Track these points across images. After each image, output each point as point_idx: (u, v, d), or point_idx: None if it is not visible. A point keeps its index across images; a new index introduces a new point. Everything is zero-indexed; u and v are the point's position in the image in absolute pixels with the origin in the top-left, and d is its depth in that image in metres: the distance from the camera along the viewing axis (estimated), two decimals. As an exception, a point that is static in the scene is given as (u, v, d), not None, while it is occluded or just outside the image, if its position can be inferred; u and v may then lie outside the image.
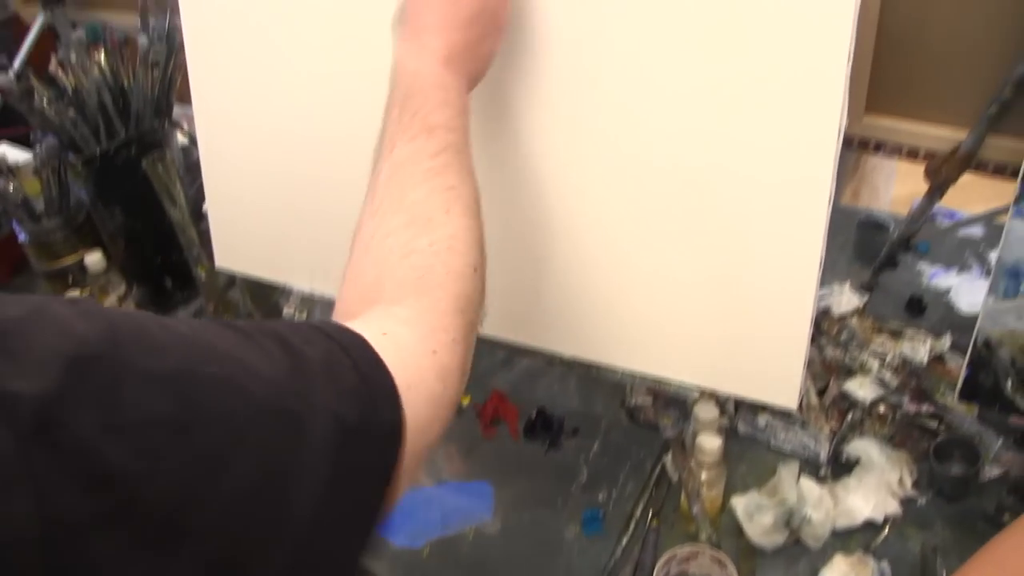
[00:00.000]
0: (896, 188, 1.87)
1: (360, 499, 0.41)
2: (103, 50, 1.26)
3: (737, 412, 0.97)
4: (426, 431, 0.46)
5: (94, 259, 1.18)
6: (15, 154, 1.48)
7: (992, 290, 0.72)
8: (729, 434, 0.94)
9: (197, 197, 1.23)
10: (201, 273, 1.18)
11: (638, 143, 0.74)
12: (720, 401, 0.91)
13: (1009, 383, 0.73)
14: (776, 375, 0.76)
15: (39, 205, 1.26)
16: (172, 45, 1.27)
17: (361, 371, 0.43)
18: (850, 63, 0.64)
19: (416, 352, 0.48)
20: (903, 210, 1.16)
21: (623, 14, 0.70)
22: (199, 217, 1.19)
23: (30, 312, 0.32)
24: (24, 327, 0.31)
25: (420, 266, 0.54)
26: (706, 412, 0.89)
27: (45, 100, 1.20)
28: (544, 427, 1.02)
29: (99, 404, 0.31)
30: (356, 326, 0.46)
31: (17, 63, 1.38)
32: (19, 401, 0.29)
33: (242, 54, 0.92)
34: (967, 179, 0.92)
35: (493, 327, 0.89)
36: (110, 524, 0.30)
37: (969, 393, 0.76)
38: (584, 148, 0.76)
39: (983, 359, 0.74)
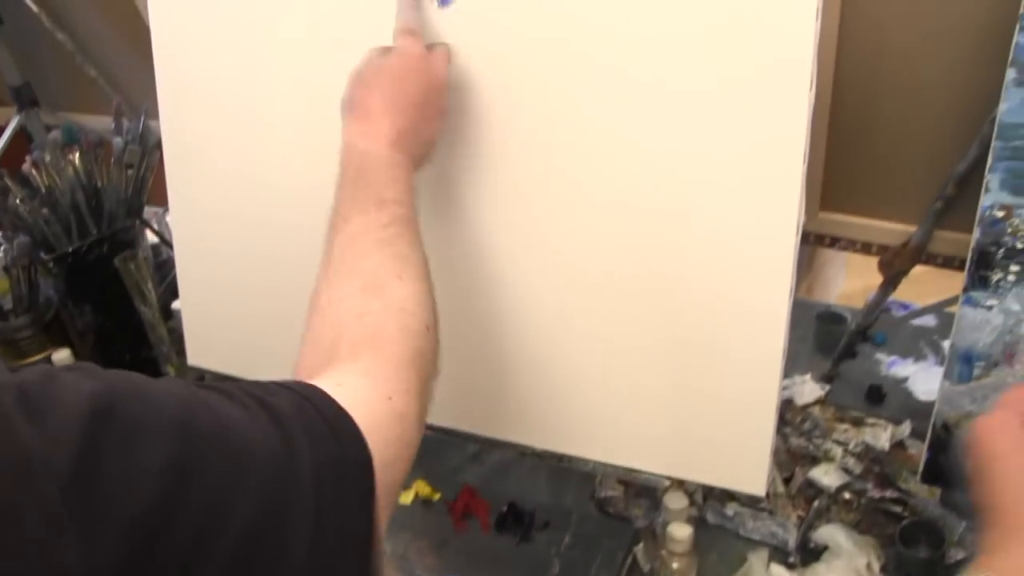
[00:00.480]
0: (850, 283, 1.93)
1: (346, 530, 0.44)
2: (78, 151, 1.28)
3: (706, 502, 0.98)
4: (391, 467, 0.49)
5: (62, 357, 1.17)
6: (-18, 253, 1.47)
7: (947, 375, 0.75)
8: (698, 523, 0.94)
9: (166, 296, 1.24)
10: (171, 371, 1.17)
11: (599, 236, 0.77)
12: (689, 491, 0.92)
13: (968, 464, 0.75)
14: (744, 464, 0.78)
15: (7, 303, 1.26)
16: (146, 147, 1.31)
17: (327, 419, 0.46)
18: (806, 162, 0.68)
19: (371, 398, 0.51)
20: (857, 304, 1.21)
21: (572, 94, 0.74)
22: (168, 316, 1.19)
23: (43, 377, 0.35)
24: (42, 390, 0.34)
25: (373, 325, 0.58)
26: (675, 502, 0.89)
27: (19, 199, 1.21)
28: (515, 521, 1.01)
29: (118, 454, 0.34)
30: (315, 382, 0.49)
31: (-9, 163, 1.40)
32: (52, 459, 0.32)
33: (218, 153, 0.94)
34: (919, 272, 0.97)
35: (463, 421, 0.91)
36: (139, 566, 0.33)
37: (931, 476, 0.78)
38: (542, 241, 0.79)
39: (942, 442, 0.76)
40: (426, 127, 0.72)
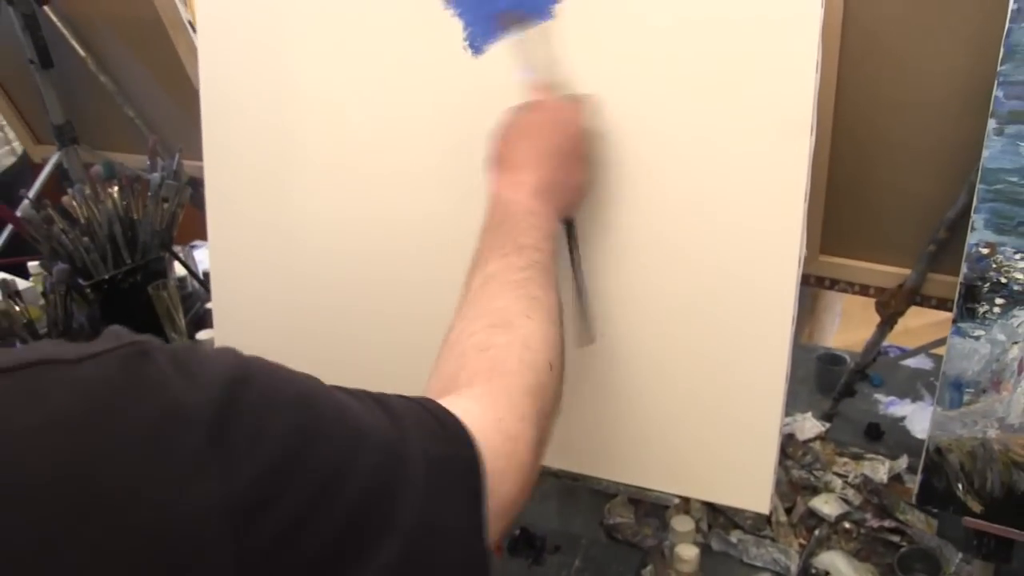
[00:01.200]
0: (849, 334, 1.98)
1: (452, 522, 0.47)
2: (117, 185, 1.35)
3: (711, 529, 1.02)
4: (502, 478, 0.51)
5: (94, 378, 1.22)
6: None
7: (939, 402, 0.80)
8: (704, 550, 0.98)
9: (189, 328, 1.31)
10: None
11: (625, 274, 0.83)
12: (695, 518, 0.96)
13: (960, 487, 0.80)
14: (749, 483, 0.82)
15: (41, 328, 1.31)
16: (180, 183, 1.38)
17: (438, 418, 0.49)
18: (807, 200, 0.74)
19: (481, 416, 0.52)
20: (855, 350, 1.26)
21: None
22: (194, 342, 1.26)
23: (191, 346, 0.41)
24: (191, 354, 0.40)
25: (494, 358, 0.60)
26: (682, 525, 0.94)
27: (61, 228, 1.28)
28: (527, 545, 1.05)
29: (252, 415, 0.39)
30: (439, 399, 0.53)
31: (32, 195, 1.47)
32: (200, 408, 0.37)
33: (255, 196, 1.01)
34: (921, 325, 1.02)
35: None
36: (264, 512, 0.37)
37: (925, 498, 0.82)
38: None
39: (935, 465, 0.81)
40: (568, 177, 0.75)
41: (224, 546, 0.36)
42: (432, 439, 0.48)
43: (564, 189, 0.74)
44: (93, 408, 0.36)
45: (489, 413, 0.54)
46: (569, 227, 0.80)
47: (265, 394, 0.41)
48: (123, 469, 0.35)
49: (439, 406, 0.51)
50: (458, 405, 0.52)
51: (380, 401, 0.48)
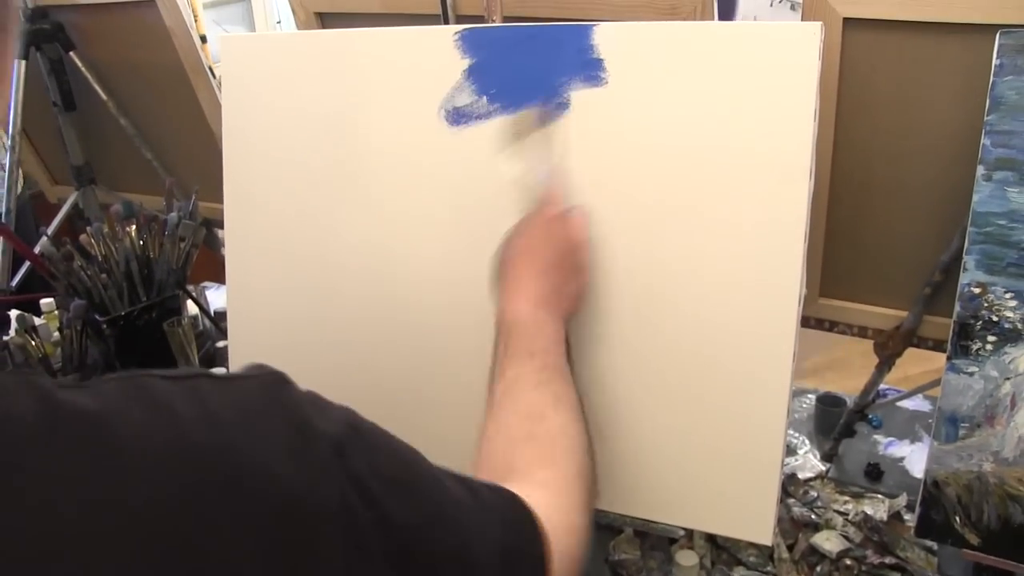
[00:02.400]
0: (849, 379, 2.01)
1: None
2: (135, 224, 1.39)
3: (714, 567, 1.03)
4: (557, 559, 0.55)
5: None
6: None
7: (935, 436, 0.83)
8: (708, 586, 1.00)
9: (202, 362, 1.33)
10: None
11: (636, 326, 0.86)
12: (699, 555, 0.98)
13: (957, 519, 0.82)
14: (753, 516, 0.85)
15: (55, 363, 1.34)
16: (196, 223, 1.42)
17: (516, 510, 0.55)
18: (806, 241, 0.78)
19: (551, 509, 0.57)
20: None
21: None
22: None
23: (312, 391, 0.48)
24: (318, 396, 0.47)
25: (542, 446, 0.65)
26: (686, 559, 0.95)
27: (80, 264, 1.31)
28: (533, 580, 1.06)
29: (366, 454, 0.46)
30: (506, 485, 0.57)
31: (50, 232, 1.50)
32: (327, 429, 0.45)
33: (273, 238, 1.04)
34: (917, 366, 1.05)
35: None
36: (370, 532, 0.44)
37: (924, 530, 0.84)
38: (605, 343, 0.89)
39: (933, 498, 0.83)
40: (569, 285, 0.80)
41: (335, 543, 0.42)
42: (510, 529, 0.53)
43: (564, 297, 0.79)
44: (245, 410, 0.42)
45: (554, 502, 0.59)
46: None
47: (376, 438, 0.49)
48: (267, 458, 0.41)
49: (518, 499, 0.55)
50: (532, 497, 0.56)
51: (466, 483, 0.53)
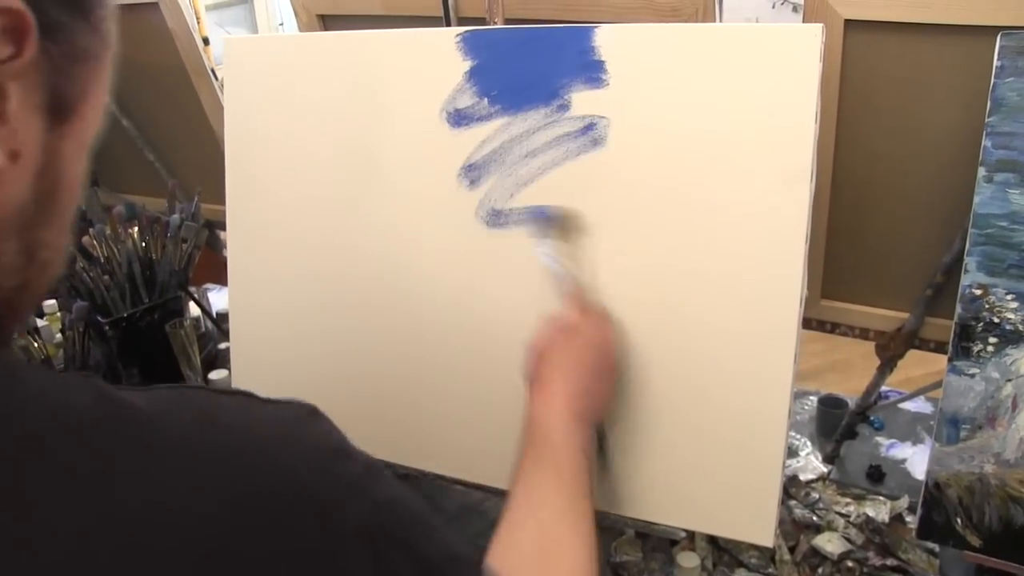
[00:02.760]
0: (851, 381, 2.01)
1: None
2: (137, 226, 1.39)
3: (715, 568, 1.03)
4: None
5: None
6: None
7: (937, 438, 0.83)
8: (709, 588, 1.00)
9: (204, 364, 1.34)
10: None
11: (637, 327, 0.86)
12: (700, 557, 0.98)
13: (959, 521, 0.82)
14: (754, 517, 0.85)
15: (58, 364, 1.34)
16: (198, 224, 1.42)
17: None
18: (807, 242, 0.78)
19: None
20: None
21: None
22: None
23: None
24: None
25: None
26: (687, 561, 0.95)
27: (82, 266, 1.31)
28: (534, 581, 1.06)
29: (389, 487, 0.48)
30: None
31: (52, 235, 1.50)
32: (361, 458, 0.47)
33: (274, 240, 1.05)
34: (919, 368, 1.05)
35: (490, 477, 0.98)
36: (394, 555, 0.45)
37: (925, 532, 0.84)
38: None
39: (935, 499, 0.83)
40: (599, 388, 0.81)
41: (364, 558, 0.43)
42: None
43: (594, 402, 0.80)
44: (285, 427, 0.45)
45: None
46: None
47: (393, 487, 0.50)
48: (303, 472, 0.43)
49: None
50: None
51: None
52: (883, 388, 1.13)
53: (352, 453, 0.46)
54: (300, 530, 0.41)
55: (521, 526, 0.69)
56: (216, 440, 0.41)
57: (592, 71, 0.84)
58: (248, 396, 0.46)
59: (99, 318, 1.31)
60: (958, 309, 0.81)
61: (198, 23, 3.43)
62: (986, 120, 0.80)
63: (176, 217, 1.39)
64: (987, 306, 0.79)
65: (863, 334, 1.11)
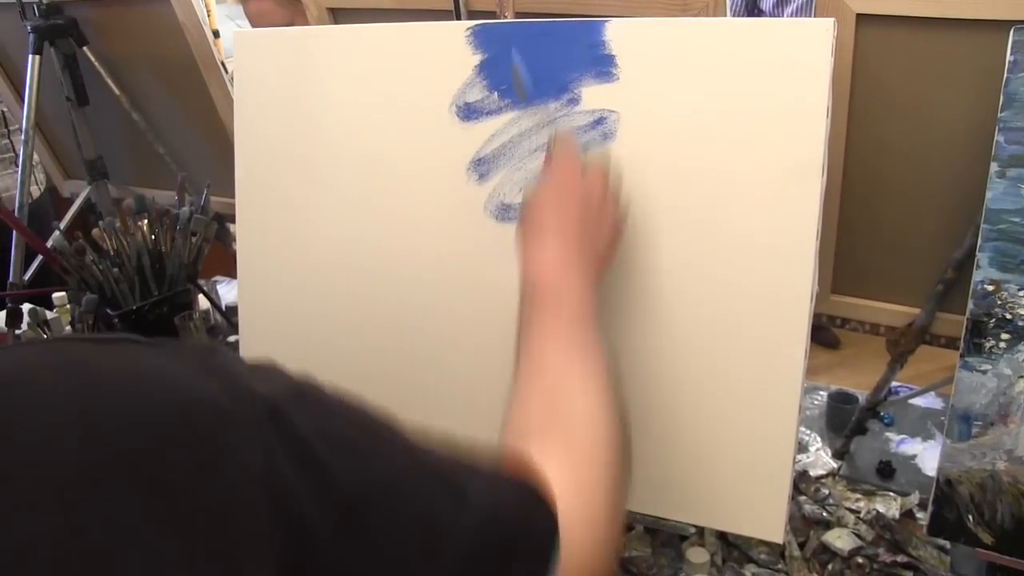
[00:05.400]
0: (860, 376, 2.01)
1: None
2: (147, 219, 1.40)
3: (724, 564, 1.03)
4: (577, 548, 0.52)
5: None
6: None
7: (948, 434, 0.82)
8: (718, 584, 1.00)
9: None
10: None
11: (647, 323, 0.86)
12: (709, 552, 0.98)
13: (970, 518, 0.82)
14: (764, 513, 0.85)
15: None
16: (207, 218, 1.42)
17: (520, 487, 0.52)
18: (819, 237, 0.77)
19: (562, 483, 0.54)
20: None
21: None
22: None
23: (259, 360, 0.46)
24: (263, 364, 0.45)
25: (566, 434, 0.62)
26: (697, 557, 0.95)
27: (91, 260, 1.32)
28: None
29: (313, 417, 0.43)
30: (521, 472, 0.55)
31: (62, 226, 1.51)
32: (262, 397, 0.41)
33: (284, 231, 1.05)
34: (930, 363, 1.04)
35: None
36: (313, 497, 0.40)
37: (936, 529, 0.84)
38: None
39: (946, 496, 0.83)
40: (595, 240, 0.77)
41: (259, 508, 0.38)
42: (504, 504, 0.50)
43: (590, 256, 0.76)
44: (171, 374, 0.39)
45: (567, 480, 0.56)
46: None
47: (332, 403, 0.47)
48: (188, 420, 0.38)
49: (527, 469, 0.53)
50: (551, 485, 0.53)
51: (461, 457, 0.51)
52: (893, 384, 1.13)
53: (258, 388, 0.42)
54: (185, 487, 0.37)
55: (526, 396, 0.65)
56: (89, 393, 0.37)
57: (602, 65, 0.84)
58: (129, 342, 0.41)
59: (108, 311, 1.31)
60: (970, 305, 0.81)
61: (208, 16, 3.43)
62: (999, 115, 0.79)
63: (186, 210, 1.39)
64: (999, 302, 0.79)
65: (874, 329, 1.10)
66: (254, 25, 2.19)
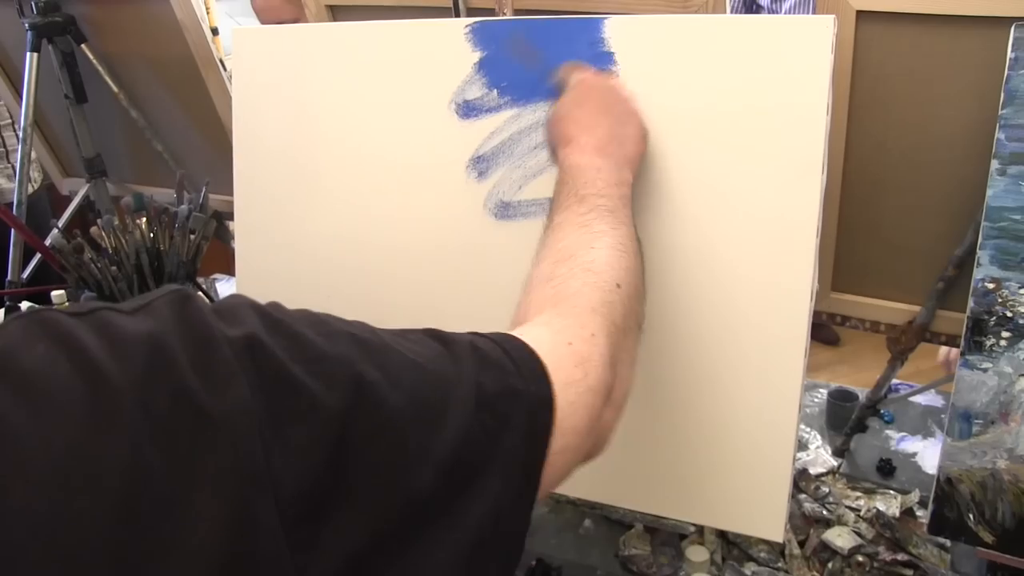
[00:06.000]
0: (860, 373, 2.01)
1: (511, 453, 0.48)
2: (145, 217, 1.39)
3: (724, 562, 1.03)
4: (572, 408, 0.52)
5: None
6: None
7: (949, 433, 0.82)
8: (718, 582, 0.99)
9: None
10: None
11: (648, 320, 0.85)
12: (709, 551, 0.98)
13: (971, 517, 0.81)
14: (764, 512, 0.84)
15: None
16: (206, 215, 1.42)
17: (510, 354, 0.51)
18: (819, 235, 0.77)
19: (550, 342, 0.54)
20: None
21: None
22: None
23: (228, 298, 0.46)
24: (231, 303, 0.46)
25: (557, 285, 0.63)
26: (697, 555, 0.95)
27: (90, 257, 1.31)
28: (544, 575, 1.06)
29: (285, 343, 0.44)
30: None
31: (61, 224, 1.51)
32: (234, 338, 0.42)
33: (282, 228, 1.05)
34: (930, 360, 1.04)
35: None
36: (294, 419, 0.41)
37: (937, 528, 0.84)
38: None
39: (946, 495, 0.82)
40: (624, 129, 0.80)
41: (253, 444, 0.40)
42: (494, 372, 0.50)
43: (623, 141, 0.78)
44: (150, 336, 0.40)
45: (558, 337, 0.56)
46: None
47: (299, 323, 0.46)
48: (178, 377, 0.39)
49: (514, 340, 0.53)
50: (529, 334, 0.54)
51: (439, 337, 0.51)
52: (894, 381, 1.12)
53: (229, 331, 0.42)
54: (183, 442, 0.38)
55: (541, 257, 0.67)
56: (80, 364, 0.38)
57: (601, 63, 0.83)
58: (108, 309, 0.42)
59: (108, 309, 1.31)
60: (970, 303, 0.81)
61: (207, 13, 3.43)
62: (1000, 112, 0.79)
63: (184, 208, 1.39)
64: (1000, 300, 0.79)
65: (874, 327, 1.10)
66: (262, 20, 2.19)
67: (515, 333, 0.54)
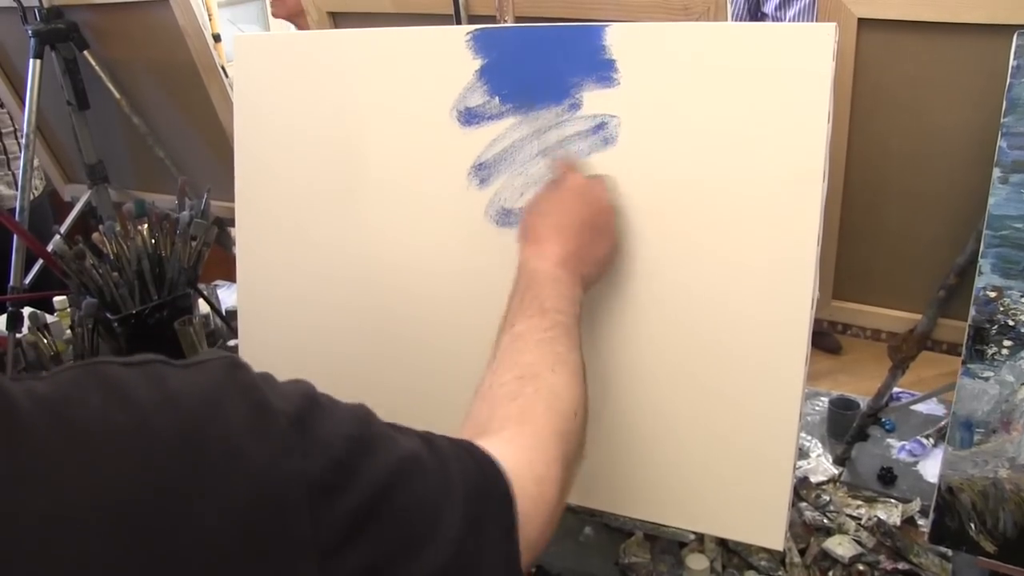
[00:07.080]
0: (861, 382, 2.00)
1: (488, 554, 0.51)
2: (147, 223, 1.40)
3: (725, 570, 1.02)
4: (529, 520, 0.55)
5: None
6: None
7: (950, 442, 0.82)
8: (719, 591, 0.99)
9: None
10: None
11: (648, 326, 0.86)
12: (709, 559, 0.97)
13: (972, 526, 0.81)
14: (764, 520, 0.84)
15: (67, 360, 1.35)
16: (208, 222, 1.42)
17: (476, 458, 0.55)
18: (820, 243, 0.77)
19: (513, 459, 0.57)
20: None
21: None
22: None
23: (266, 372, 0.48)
24: (270, 376, 0.47)
25: (523, 405, 0.64)
26: (697, 563, 0.95)
27: (92, 263, 1.32)
28: (543, 582, 1.06)
29: (325, 421, 0.47)
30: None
31: (63, 230, 1.51)
32: (286, 411, 0.45)
33: (282, 236, 1.05)
34: (931, 369, 1.03)
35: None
36: (327, 492, 0.44)
37: (938, 537, 0.83)
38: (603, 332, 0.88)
39: (947, 504, 0.82)
40: (593, 248, 0.80)
41: (303, 512, 0.42)
42: (470, 472, 0.53)
43: (587, 260, 0.79)
44: (203, 392, 0.42)
45: (520, 455, 0.58)
46: None
47: (331, 404, 0.49)
48: (229, 442, 0.41)
49: (476, 446, 0.55)
50: (492, 447, 0.56)
51: (424, 436, 0.53)
52: (895, 390, 1.12)
53: (278, 404, 0.44)
54: (235, 501, 0.40)
55: (500, 367, 0.68)
56: (134, 417, 0.39)
57: (603, 70, 0.83)
58: (162, 363, 0.44)
59: (108, 315, 1.31)
60: (972, 311, 0.80)
61: (209, 20, 3.43)
62: (1002, 120, 0.79)
63: (186, 214, 1.39)
64: (1002, 308, 0.79)
65: (875, 335, 1.10)
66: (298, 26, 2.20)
67: (482, 445, 0.56)
